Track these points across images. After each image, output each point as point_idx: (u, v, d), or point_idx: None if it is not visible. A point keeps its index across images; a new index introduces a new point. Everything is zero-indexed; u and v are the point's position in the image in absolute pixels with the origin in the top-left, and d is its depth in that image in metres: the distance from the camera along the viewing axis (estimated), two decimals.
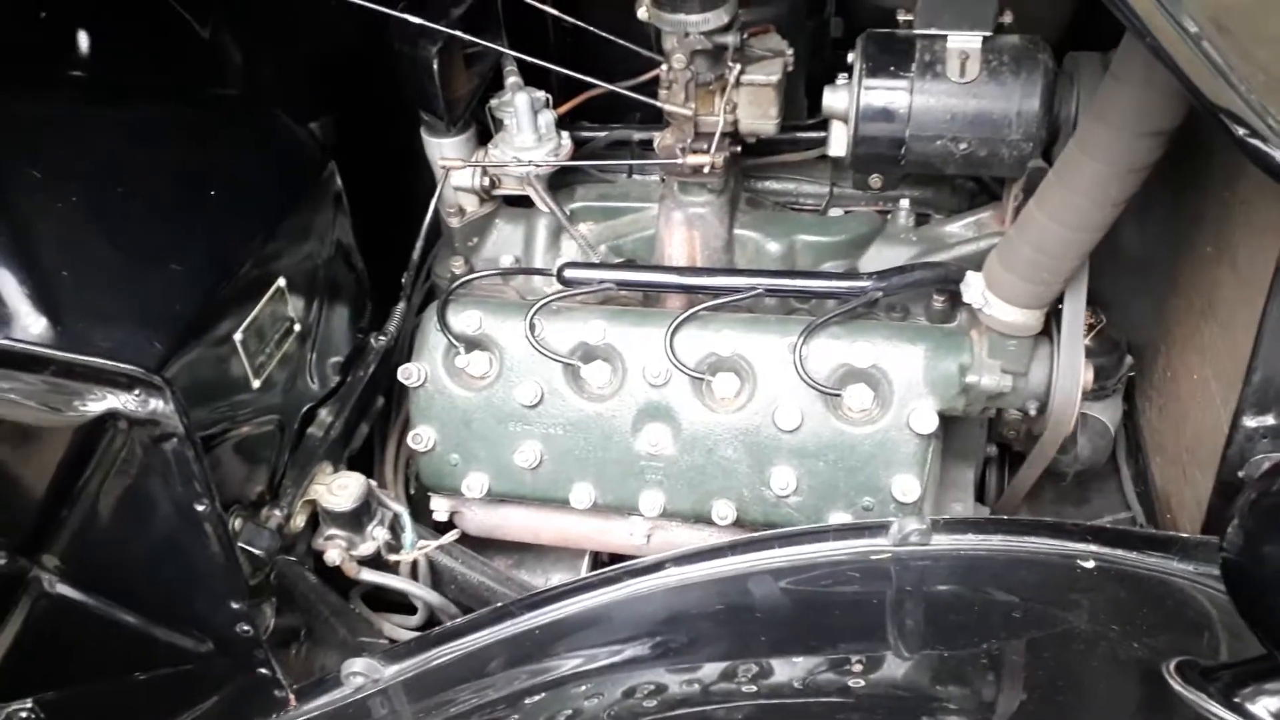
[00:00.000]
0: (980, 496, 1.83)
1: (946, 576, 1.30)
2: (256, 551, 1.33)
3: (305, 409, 1.53)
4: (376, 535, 1.51)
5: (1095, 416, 1.71)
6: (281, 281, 1.39)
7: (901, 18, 1.49)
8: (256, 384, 1.38)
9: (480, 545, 1.79)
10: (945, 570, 1.30)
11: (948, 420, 1.56)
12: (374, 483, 1.57)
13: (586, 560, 1.85)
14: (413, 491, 1.82)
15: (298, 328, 1.44)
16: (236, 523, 1.36)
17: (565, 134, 1.74)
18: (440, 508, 1.74)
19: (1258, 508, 0.98)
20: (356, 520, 1.48)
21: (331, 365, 1.60)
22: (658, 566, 1.30)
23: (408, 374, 1.63)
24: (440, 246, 1.86)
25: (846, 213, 1.81)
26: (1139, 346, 1.78)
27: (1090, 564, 1.31)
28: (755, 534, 1.32)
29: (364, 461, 1.81)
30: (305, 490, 1.47)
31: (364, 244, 1.70)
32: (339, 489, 1.47)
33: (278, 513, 1.40)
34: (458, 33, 1.53)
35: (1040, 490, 1.86)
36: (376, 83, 1.76)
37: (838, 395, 1.52)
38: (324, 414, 1.56)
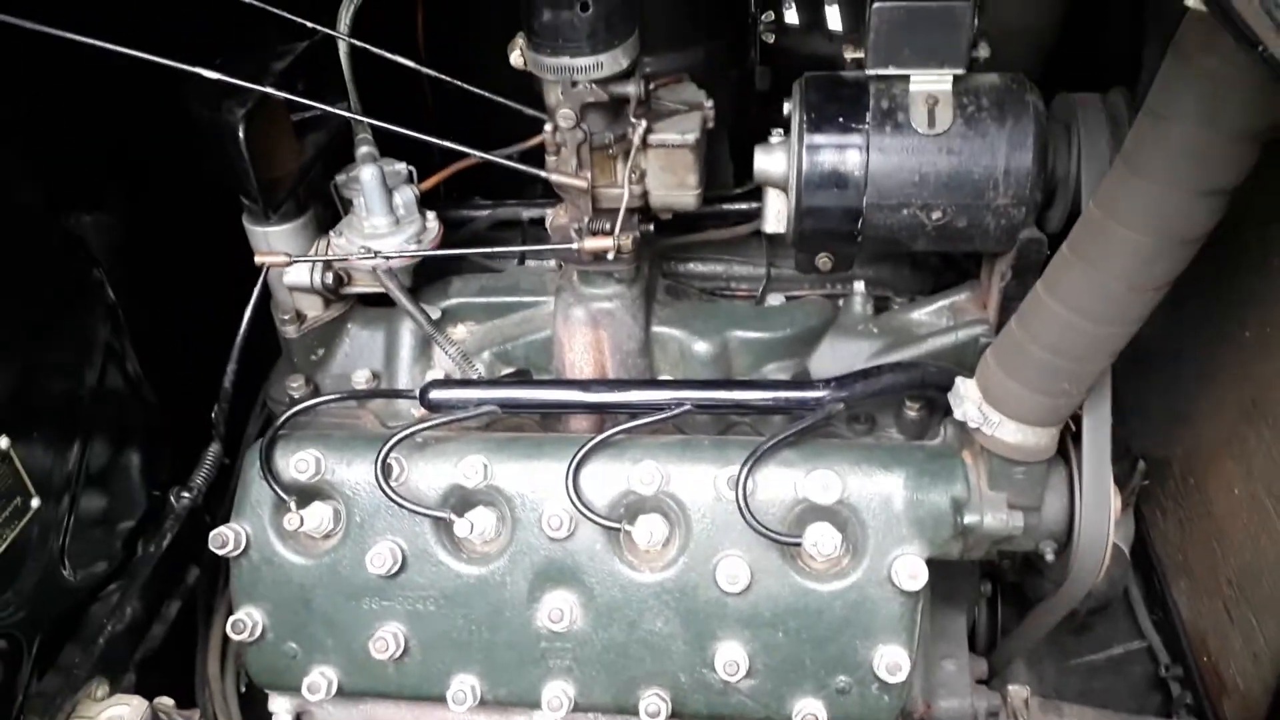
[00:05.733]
0: (970, 643, 1.47)
1: None
2: None
3: (60, 611, 1.09)
4: None
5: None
6: (2, 441, 0.97)
7: (849, 55, 1.17)
8: None
9: None
10: None
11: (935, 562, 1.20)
12: (166, 701, 1.13)
13: None
14: (244, 689, 1.39)
15: (36, 503, 1.01)
16: None
17: (432, 215, 1.37)
18: (281, 710, 1.33)
19: None
20: None
21: (106, 541, 1.17)
22: None
23: (221, 540, 1.22)
24: (280, 364, 1.46)
25: (789, 299, 1.47)
26: (1142, 449, 1.46)
27: None
28: None
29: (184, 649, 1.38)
30: None
31: (177, 372, 1.28)
32: None
33: None
34: (272, 90, 1.15)
35: None
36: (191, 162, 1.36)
37: (796, 543, 1.15)
38: (96, 612, 1.12)
